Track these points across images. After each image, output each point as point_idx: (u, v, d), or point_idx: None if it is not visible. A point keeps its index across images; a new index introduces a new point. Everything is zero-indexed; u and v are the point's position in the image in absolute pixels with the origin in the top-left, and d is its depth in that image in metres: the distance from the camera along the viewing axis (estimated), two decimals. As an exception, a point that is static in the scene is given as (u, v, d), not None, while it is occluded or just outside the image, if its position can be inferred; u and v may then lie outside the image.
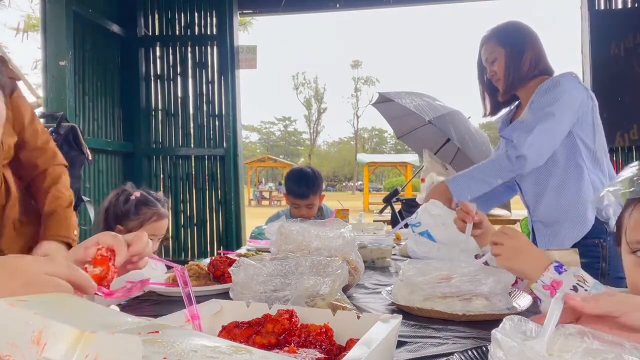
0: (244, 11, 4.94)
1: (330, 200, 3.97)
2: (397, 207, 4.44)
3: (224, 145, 4.58)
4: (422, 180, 3.59)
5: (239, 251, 2.15)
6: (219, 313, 0.91)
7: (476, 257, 1.53)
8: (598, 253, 1.74)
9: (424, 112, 3.36)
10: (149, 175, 4.65)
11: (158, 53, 4.68)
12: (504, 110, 2.10)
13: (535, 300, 1.23)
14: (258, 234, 2.54)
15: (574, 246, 1.73)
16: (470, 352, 0.76)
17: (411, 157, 20.41)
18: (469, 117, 3.80)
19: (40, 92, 4.05)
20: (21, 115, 1.51)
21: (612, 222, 0.96)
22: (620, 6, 4.11)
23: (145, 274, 1.29)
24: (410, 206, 4.11)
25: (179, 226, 4.68)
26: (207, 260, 1.65)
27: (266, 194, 26.81)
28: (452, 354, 0.77)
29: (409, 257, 1.95)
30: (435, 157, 3.65)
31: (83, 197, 2.94)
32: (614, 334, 0.59)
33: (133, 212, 1.91)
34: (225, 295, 1.28)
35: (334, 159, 56.88)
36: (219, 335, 0.81)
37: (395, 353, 0.88)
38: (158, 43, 4.68)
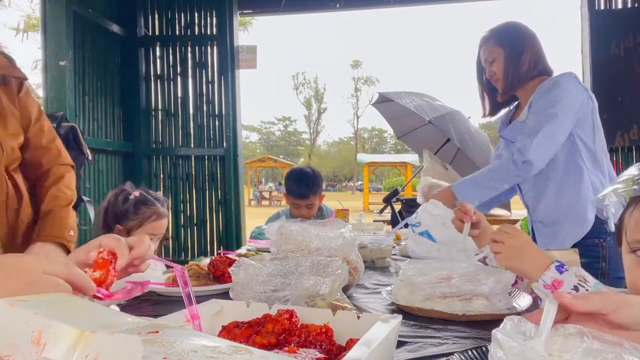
0: (244, 11, 4.94)
1: (330, 200, 3.97)
2: (397, 207, 4.44)
3: (224, 145, 4.58)
4: (422, 180, 3.59)
5: (239, 251, 2.16)
6: (219, 313, 0.91)
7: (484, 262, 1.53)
8: (598, 253, 1.74)
9: (424, 112, 3.36)
10: (149, 175, 4.65)
11: (158, 53, 4.68)
12: (503, 111, 2.10)
13: (536, 299, 1.24)
14: (258, 234, 2.54)
15: (574, 246, 1.73)
16: (470, 352, 0.76)
17: (411, 157, 20.42)
18: (469, 117, 3.81)
19: (40, 92, 4.04)
20: (28, 113, 1.49)
21: (612, 222, 0.96)
22: (620, 6, 4.10)
23: (145, 276, 1.28)
24: (410, 206, 4.11)
25: (179, 226, 4.68)
26: (207, 260, 1.65)
27: (266, 194, 26.82)
28: (452, 354, 0.77)
29: (409, 257, 1.96)
30: (435, 157, 3.65)
31: (83, 197, 2.94)
32: (604, 332, 0.59)
33: (132, 211, 1.91)
34: (225, 295, 1.28)
35: (334, 159, 56.88)
36: (219, 335, 0.81)
37: (395, 353, 0.88)
38: (158, 43, 4.67)
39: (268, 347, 0.76)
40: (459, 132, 3.43)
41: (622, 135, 4.03)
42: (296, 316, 0.81)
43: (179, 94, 4.66)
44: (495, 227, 1.27)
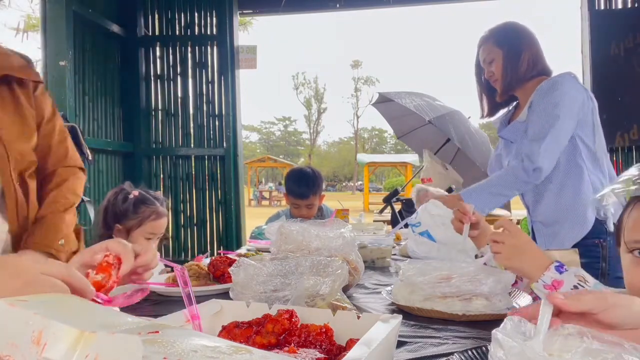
0: (244, 11, 4.94)
1: (330, 200, 3.97)
2: (397, 207, 4.44)
3: (224, 145, 4.58)
4: (422, 180, 3.60)
5: (239, 251, 2.16)
6: (219, 313, 0.91)
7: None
8: (598, 253, 1.74)
9: (424, 112, 3.36)
10: (149, 175, 4.65)
11: (158, 53, 4.68)
12: (502, 111, 2.10)
13: (536, 299, 1.24)
14: (258, 234, 2.54)
15: (574, 246, 1.73)
16: (470, 352, 0.76)
17: (411, 157, 20.43)
18: (469, 117, 3.81)
19: (40, 92, 4.00)
20: (42, 112, 1.44)
21: (611, 222, 0.96)
22: (620, 6, 4.10)
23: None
24: (410, 206, 4.10)
25: (179, 226, 4.68)
26: (207, 260, 1.65)
27: (266, 194, 26.81)
28: (452, 354, 0.77)
29: (409, 257, 1.96)
30: (435, 157, 3.66)
31: (83, 197, 2.94)
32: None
33: (132, 210, 1.91)
34: (225, 295, 1.28)
35: (334, 159, 56.87)
36: (219, 335, 0.81)
37: (395, 353, 0.88)
38: (158, 43, 4.67)
39: (268, 347, 0.76)
40: (459, 132, 3.44)
41: (622, 135, 4.03)
42: (296, 316, 0.81)
43: (179, 94, 4.66)
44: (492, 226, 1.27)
